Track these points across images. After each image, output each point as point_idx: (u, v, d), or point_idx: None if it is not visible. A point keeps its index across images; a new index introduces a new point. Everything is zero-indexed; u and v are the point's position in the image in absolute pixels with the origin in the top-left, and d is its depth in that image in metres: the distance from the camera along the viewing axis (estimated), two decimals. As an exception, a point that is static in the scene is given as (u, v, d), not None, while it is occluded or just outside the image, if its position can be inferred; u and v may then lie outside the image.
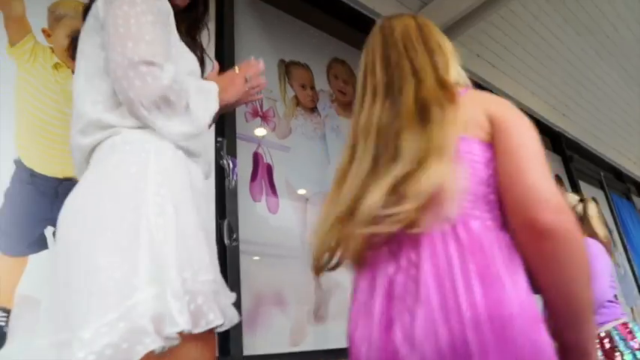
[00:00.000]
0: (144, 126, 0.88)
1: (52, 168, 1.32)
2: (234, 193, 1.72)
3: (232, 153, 1.76)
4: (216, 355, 0.93)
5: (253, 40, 2.08)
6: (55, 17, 1.46)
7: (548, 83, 3.69)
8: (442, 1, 2.56)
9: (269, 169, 1.92)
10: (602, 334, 1.95)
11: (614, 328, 1.96)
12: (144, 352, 0.69)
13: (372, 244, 0.79)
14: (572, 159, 4.12)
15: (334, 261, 0.85)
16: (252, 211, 1.79)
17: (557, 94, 3.86)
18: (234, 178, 1.74)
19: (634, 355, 1.90)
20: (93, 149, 0.91)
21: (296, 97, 2.15)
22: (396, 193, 0.73)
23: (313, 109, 2.20)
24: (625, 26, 3.31)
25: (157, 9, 0.92)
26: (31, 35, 1.39)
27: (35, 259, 1.23)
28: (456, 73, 0.89)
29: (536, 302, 0.71)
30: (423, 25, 0.93)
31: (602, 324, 1.96)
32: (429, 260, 0.71)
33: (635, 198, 5.38)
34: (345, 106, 2.36)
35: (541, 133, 0.80)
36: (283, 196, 1.92)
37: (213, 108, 0.99)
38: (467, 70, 0.94)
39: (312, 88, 2.24)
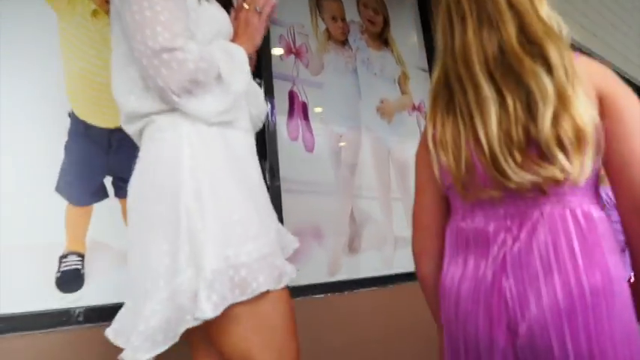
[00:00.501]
0: (176, 109, 0.91)
1: (102, 118, 1.35)
2: (274, 133, 1.75)
3: (270, 93, 1.76)
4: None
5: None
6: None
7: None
8: None
9: (304, 108, 1.93)
10: None
11: None
12: (186, 327, 0.81)
13: (494, 198, 0.80)
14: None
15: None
16: (289, 149, 1.83)
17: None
18: (274, 119, 1.75)
19: None
20: (140, 133, 0.97)
21: (327, 30, 2.09)
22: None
23: (344, 43, 2.14)
24: None
25: None
26: (66, -19, 1.36)
27: (99, 208, 1.30)
28: (546, 15, 0.81)
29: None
30: None
31: None
32: (549, 234, 0.74)
33: None
34: (375, 37, 2.29)
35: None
36: (319, 134, 1.94)
37: (246, 72, 0.99)
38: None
39: (343, 19, 2.17)
